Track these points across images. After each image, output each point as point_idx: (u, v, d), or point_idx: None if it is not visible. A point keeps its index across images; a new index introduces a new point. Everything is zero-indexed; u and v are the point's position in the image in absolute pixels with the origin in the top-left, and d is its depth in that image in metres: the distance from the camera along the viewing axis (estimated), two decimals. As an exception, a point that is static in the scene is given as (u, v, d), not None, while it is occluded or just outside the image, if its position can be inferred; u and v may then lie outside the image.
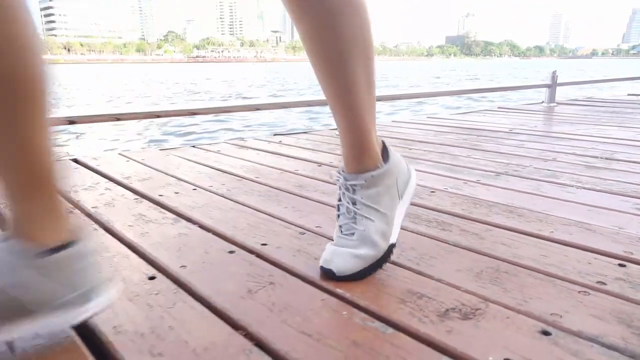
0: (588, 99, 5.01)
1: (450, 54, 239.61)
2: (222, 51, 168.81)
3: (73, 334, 0.73)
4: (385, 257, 0.92)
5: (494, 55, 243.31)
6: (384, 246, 0.91)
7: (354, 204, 0.91)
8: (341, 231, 0.93)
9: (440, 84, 19.79)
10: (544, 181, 1.63)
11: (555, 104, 4.40)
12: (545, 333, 0.72)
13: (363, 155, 0.90)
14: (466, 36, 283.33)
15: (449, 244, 1.09)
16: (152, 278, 0.93)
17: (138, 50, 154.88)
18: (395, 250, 0.98)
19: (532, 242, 1.09)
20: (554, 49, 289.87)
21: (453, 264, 0.98)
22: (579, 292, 0.85)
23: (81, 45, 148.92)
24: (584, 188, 1.55)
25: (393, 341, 0.71)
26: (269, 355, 0.68)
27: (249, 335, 0.74)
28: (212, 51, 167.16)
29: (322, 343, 0.71)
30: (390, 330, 0.74)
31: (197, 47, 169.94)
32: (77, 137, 6.20)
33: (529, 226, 1.19)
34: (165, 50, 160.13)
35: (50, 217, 0.67)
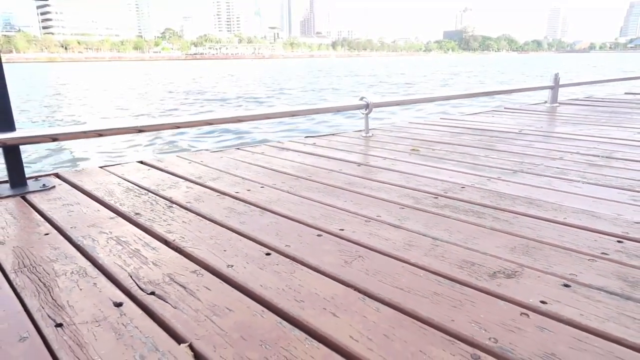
0: (588, 98, 5.32)
1: (448, 49, 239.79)
2: (219, 48, 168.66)
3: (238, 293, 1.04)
4: None
5: (492, 50, 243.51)
6: None
7: None
8: None
9: (435, 80, 20.07)
10: (554, 178, 1.94)
11: (557, 104, 4.70)
12: (566, 285, 1.03)
13: None
14: (464, 31, 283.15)
15: (485, 227, 1.39)
16: (268, 254, 1.24)
17: (136, 48, 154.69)
18: (445, 234, 1.29)
19: (550, 226, 1.40)
20: (552, 43, 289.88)
21: (492, 242, 1.29)
22: (588, 259, 1.16)
23: (78, 43, 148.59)
24: (588, 183, 1.86)
25: (462, 292, 1.02)
26: (377, 301, 0.99)
27: (358, 290, 1.05)
28: (209, 48, 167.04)
29: (412, 293, 1.02)
30: (458, 285, 1.05)
31: (195, 45, 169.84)
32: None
33: (547, 214, 1.50)
34: (162, 47, 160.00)
35: None
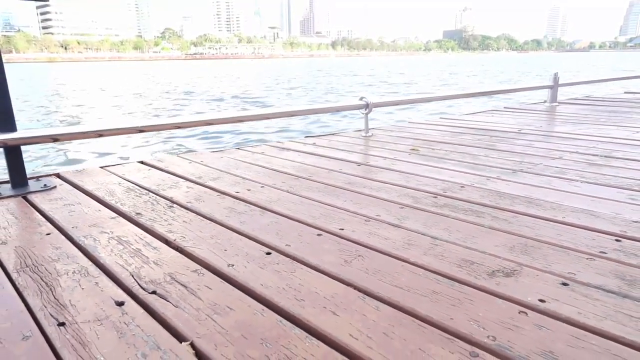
0: (587, 97, 5.33)
1: (447, 49, 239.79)
2: (219, 48, 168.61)
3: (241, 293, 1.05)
4: None
5: (492, 49, 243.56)
6: None
7: None
8: None
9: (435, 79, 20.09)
10: (554, 177, 1.95)
11: (556, 104, 4.71)
12: (565, 284, 1.04)
13: None
14: (464, 30, 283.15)
15: (484, 227, 1.40)
16: (268, 254, 1.24)
17: (135, 48, 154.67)
18: (444, 233, 1.30)
19: (549, 225, 1.41)
20: (552, 43, 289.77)
21: (491, 241, 1.29)
22: (587, 258, 1.17)
23: (78, 43, 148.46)
24: (587, 182, 1.87)
25: (461, 290, 1.03)
26: (377, 300, 1.00)
27: (357, 288, 1.05)
28: (209, 48, 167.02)
29: (411, 292, 1.03)
30: (457, 284, 1.06)
31: (195, 44, 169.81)
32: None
33: (546, 213, 1.50)
34: (162, 47, 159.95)
35: None
